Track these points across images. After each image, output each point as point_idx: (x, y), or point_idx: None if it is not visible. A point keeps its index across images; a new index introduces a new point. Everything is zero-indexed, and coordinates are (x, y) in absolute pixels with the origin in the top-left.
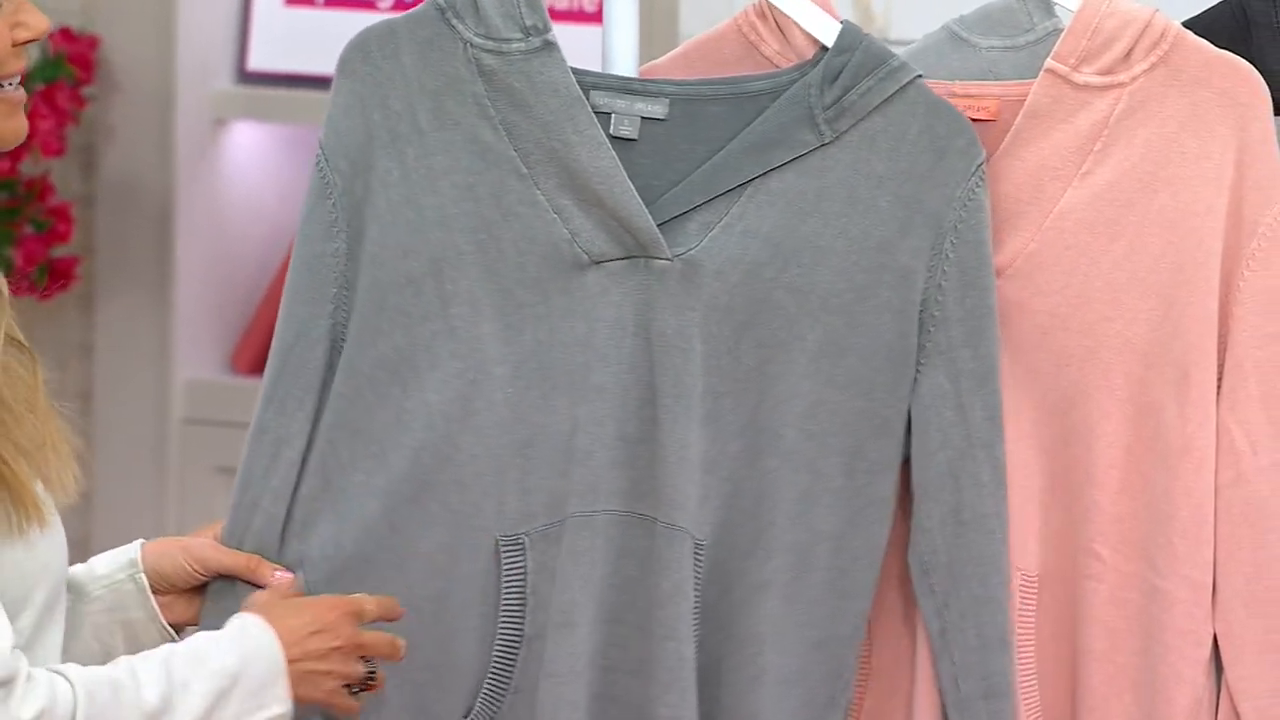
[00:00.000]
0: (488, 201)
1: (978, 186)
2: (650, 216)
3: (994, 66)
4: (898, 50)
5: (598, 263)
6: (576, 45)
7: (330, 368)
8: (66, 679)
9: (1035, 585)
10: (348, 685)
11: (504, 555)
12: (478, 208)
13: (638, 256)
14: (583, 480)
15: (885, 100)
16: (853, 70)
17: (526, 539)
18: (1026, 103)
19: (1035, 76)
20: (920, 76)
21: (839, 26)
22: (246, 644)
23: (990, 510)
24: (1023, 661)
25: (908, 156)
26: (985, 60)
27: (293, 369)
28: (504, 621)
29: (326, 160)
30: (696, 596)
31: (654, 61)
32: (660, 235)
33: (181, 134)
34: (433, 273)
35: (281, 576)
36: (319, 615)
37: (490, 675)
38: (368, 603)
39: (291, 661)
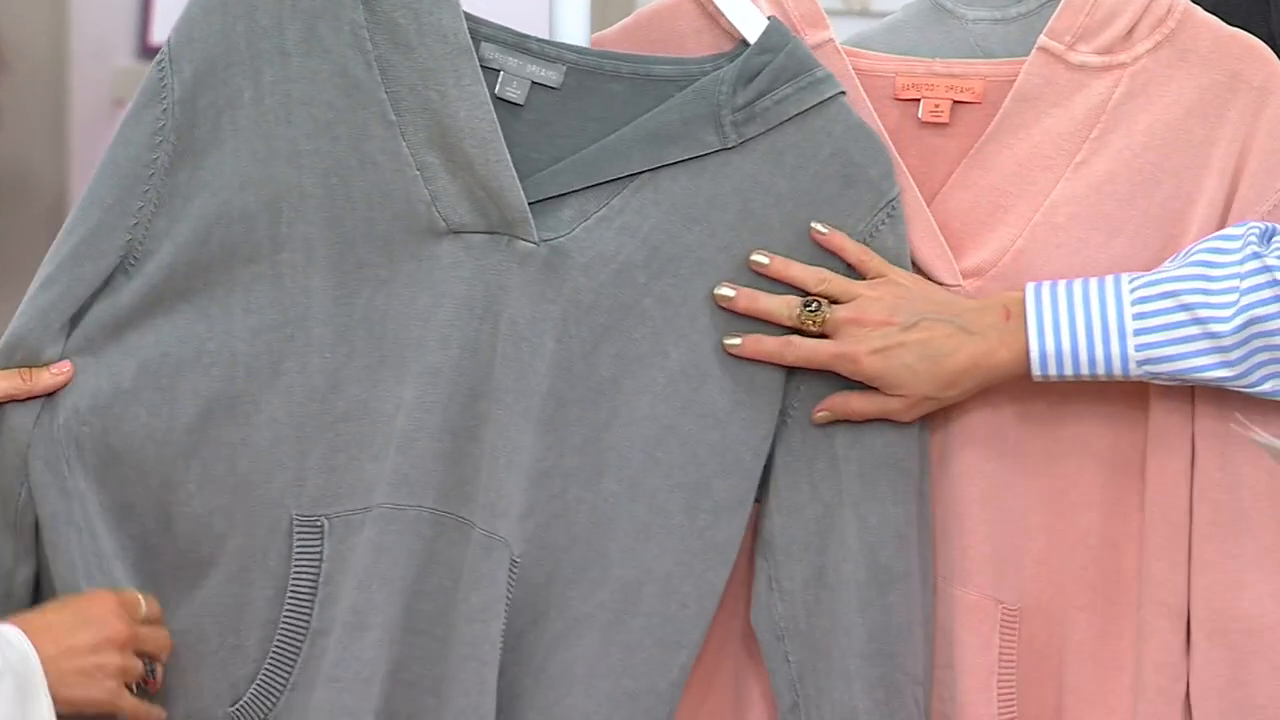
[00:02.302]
0: (345, 143)
1: (883, 224)
2: (523, 192)
3: (982, 41)
4: (876, 24)
5: (455, 232)
6: (520, 7)
7: (107, 286)
8: None
9: (1016, 619)
10: (128, 684)
11: (298, 537)
12: (334, 148)
13: (500, 233)
14: (397, 469)
15: (801, 113)
16: (771, 73)
17: (326, 522)
18: (1016, 84)
19: (1027, 53)
20: (844, 93)
21: (765, 22)
22: (5, 654)
23: (850, 577)
24: (1003, 704)
25: (814, 178)
26: (972, 34)
27: (65, 279)
28: (289, 610)
29: (170, 62)
30: (504, 619)
31: (603, 32)
32: (530, 214)
33: (77, 116)
34: (269, 210)
35: (59, 368)
36: (84, 610)
37: (268, 667)
38: (142, 600)
39: (57, 658)
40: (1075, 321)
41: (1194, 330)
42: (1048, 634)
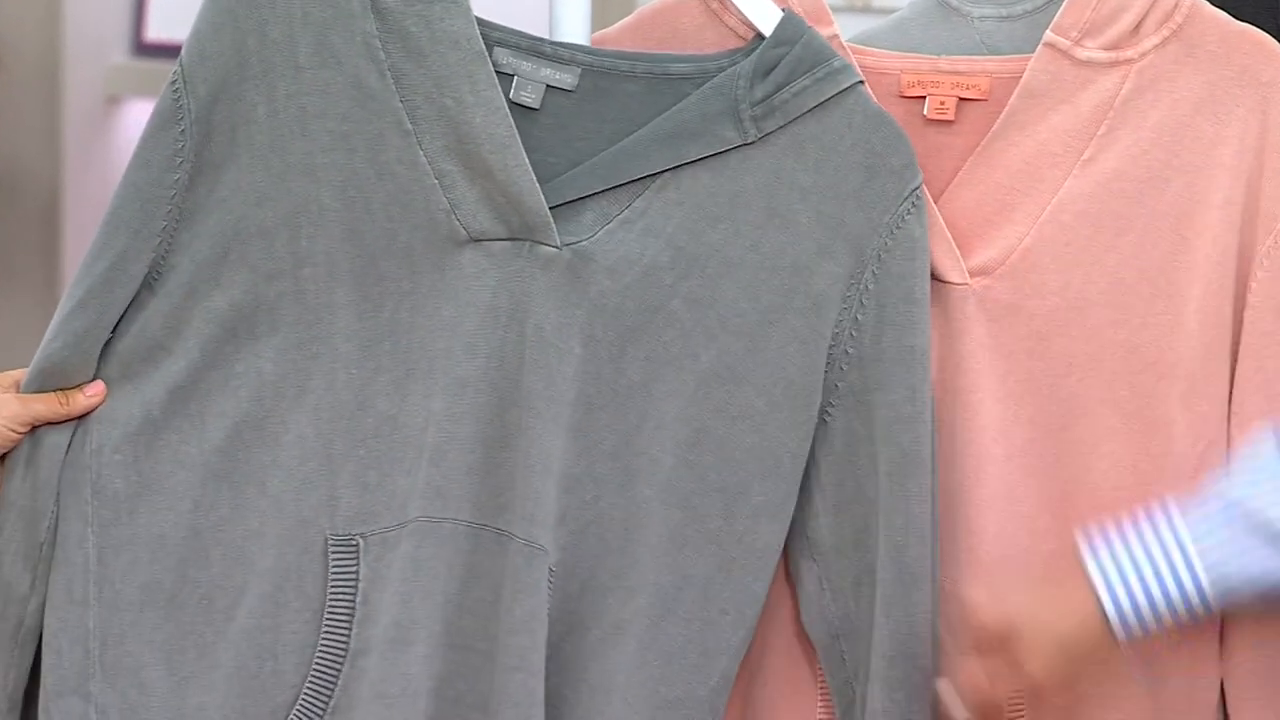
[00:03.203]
0: (362, 154)
1: (909, 213)
2: (543, 196)
3: (988, 38)
4: (881, 21)
5: (477, 240)
6: (520, 7)
7: (133, 303)
8: None
9: None
10: None
11: (333, 557)
12: (350, 160)
13: (522, 239)
14: (430, 481)
15: (820, 104)
16: (789, 66)
17: (362, 541)
18: (1022, 80)
19: (1033, 50)
20: (862, 83)
21: (780, 15)
22: None
23: (881, 576)
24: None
25: (836, 170)
26: (978, 31)
27: (97, 305)
28: (328, 632)
29: (185, 82)
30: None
31: (604, 30)
32: (551, 219)
33: (71, 113)
34: (289, 226)
35: (93, 389)
36: None
37: (307, 691)
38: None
39: None
40: (1144, 574)
41: (1258, 540)
42: None
